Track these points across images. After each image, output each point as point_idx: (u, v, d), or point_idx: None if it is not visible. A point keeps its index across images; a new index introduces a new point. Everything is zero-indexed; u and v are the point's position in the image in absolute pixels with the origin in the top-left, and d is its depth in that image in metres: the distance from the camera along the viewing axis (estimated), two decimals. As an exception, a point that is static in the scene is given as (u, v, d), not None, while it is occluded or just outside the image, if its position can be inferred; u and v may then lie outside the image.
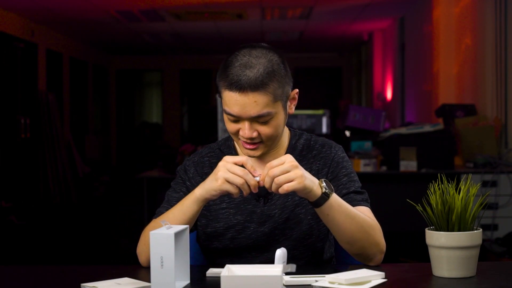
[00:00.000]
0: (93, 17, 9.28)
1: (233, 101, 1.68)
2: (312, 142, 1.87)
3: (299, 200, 1.79)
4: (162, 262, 1.44)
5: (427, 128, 5.06)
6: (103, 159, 13.09)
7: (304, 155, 1.85)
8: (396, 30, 9.48)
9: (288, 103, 1.78)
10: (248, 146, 1.75)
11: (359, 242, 1.69)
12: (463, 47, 6.47)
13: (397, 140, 5.00)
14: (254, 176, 1.62)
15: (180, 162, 5.18)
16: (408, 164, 4.90)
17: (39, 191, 8.89)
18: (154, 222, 1.82)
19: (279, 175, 1.58)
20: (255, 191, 1.62)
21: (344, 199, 1.72)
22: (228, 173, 1.61)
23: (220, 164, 1.63)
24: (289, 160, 1.59)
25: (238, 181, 1.60)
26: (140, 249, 1.77)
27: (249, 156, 1.77)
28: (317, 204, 1.64)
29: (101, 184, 10.45)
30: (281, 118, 1.74)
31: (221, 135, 5.08)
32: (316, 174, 1.81)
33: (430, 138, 4.98)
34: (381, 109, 9.86)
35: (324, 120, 6.73)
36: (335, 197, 1.65)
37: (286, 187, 1.57)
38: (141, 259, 1.77)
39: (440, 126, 5.18)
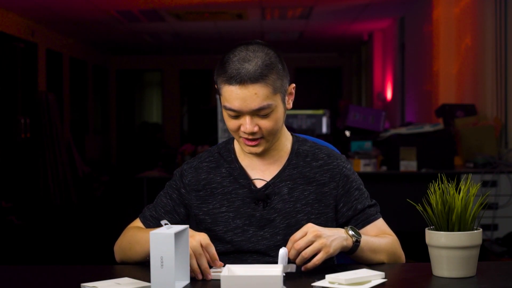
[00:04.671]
0: (93, 17, 9.28)
1: (233, 96, 1.69)
2: (317, 150, 1.86)
3: (300, 207, 1.78)
4: (162, 262, 1.44)
5: (427, 128, 5.05)
6: (103, 159, 13.09)
7: (308, 161, 1.83)
8: (396, 30, 9.49)
9: (286, 98, 1.79)
10: (249, 143, 1.75)
11: (386, 262, 1.77)
12: (463, 47, 6.47)
13: (397, 140, 5.00)
14: (214, 267, 1.60)
15: (180, 162, 5.18)
16: (408, 164, 4.90)
17: (39, 191, 8.89)
18: (136, 223, 1.88)
19: (305, 248, 1.59)
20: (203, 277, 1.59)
21: (360, 216, 1.80)
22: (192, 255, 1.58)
23: (195, 242, 1.59)
24: (311, 230, 1.61)
25: (192, 265, 1.57)
26: (116, 246, 1.84)
27: (251, 153, 1.77)
28: (351, 252, 1.69)
29: (101, 184, 10.45)
30: (280, 111, 1.75)
31: (221, 135, 5.08)
32: (322, 187, 1.81)
33: (430, 138, 4.98)
34: (381, 109, 9.85)
35: (324, 120, 6.74)
36: (364, 239, 1.70)
37: (317, 261, 1.59)
38: (116, 256, 1.84)
39: (440, 126, 5.18)
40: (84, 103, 12.17)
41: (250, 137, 1.73)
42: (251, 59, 1.69)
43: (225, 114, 1.75)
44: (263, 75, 1.68)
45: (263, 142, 1.75)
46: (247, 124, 1.71)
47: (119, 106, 14.31)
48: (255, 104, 1.69)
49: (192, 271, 1.57)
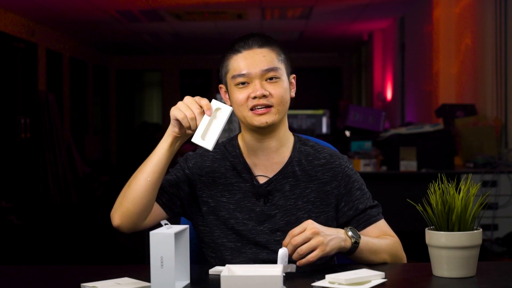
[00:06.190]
0: (93, 17, 9.28)
1: (241, 61, 1.74)
2: (319, 149, 1.86)
3: (301, 205, 1.79)
4: (162, 262, 1.44)
5: (427, 128, 5.05)
6: (103, 159, 13.09)
7: (310, 160, 1.84)
8: (396, 30, 9.48)
9: (290, 85, 1.83)
10: (260, 111, 1.73)
11: (386, 262, 1.76)
12: (463, 47, 6.47)
13: (397, 140, 4.99)
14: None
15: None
16: (408, 164, 4.90)
17: (39, 191, 8.89)
18: None
19: (302, 244, 1.58)
20: (208, 114, 1.65)
21: (362, 216, 1.79)
22: (181, 103, 1.65)
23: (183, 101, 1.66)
24: (310, 227, 1.60)
25: (184, 108, 1.64)
26: (115, 205, 1.81)
27: (261, 125, 1.75)
28: (349, 253, 1.68)
29: (101, 184, 10.45)
30: (286, 85, 1.78)
31: (220, 136, 5.07)
32: (324, 186, 1.81)
33: (430, 138, 4.98)
34: (381, 109, 9.85)
35: (324, 120, 6.73)
36: (363, 240, 1.69)
37: (311, 259, 1.58)
38: (115, 213, 1.80)
39: (440, 126, 5.18)
40: (84, 103, 12.17)
41: (260, 102, 1.73)
42: (256, 35, 1.78)
43: (233, 88, 1.76)
44: (269, 42, 1.77)
45: (274, 111, 1.74)
46: (257, 88, 1.72)
47: (119, 106, 14.31)
48: (264, 64, 1.73)
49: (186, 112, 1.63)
